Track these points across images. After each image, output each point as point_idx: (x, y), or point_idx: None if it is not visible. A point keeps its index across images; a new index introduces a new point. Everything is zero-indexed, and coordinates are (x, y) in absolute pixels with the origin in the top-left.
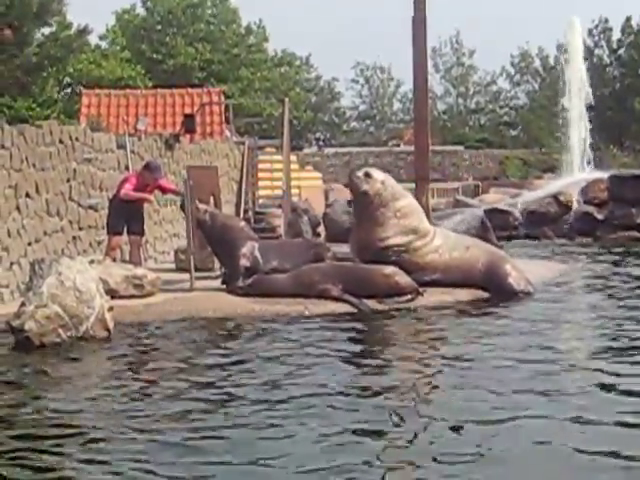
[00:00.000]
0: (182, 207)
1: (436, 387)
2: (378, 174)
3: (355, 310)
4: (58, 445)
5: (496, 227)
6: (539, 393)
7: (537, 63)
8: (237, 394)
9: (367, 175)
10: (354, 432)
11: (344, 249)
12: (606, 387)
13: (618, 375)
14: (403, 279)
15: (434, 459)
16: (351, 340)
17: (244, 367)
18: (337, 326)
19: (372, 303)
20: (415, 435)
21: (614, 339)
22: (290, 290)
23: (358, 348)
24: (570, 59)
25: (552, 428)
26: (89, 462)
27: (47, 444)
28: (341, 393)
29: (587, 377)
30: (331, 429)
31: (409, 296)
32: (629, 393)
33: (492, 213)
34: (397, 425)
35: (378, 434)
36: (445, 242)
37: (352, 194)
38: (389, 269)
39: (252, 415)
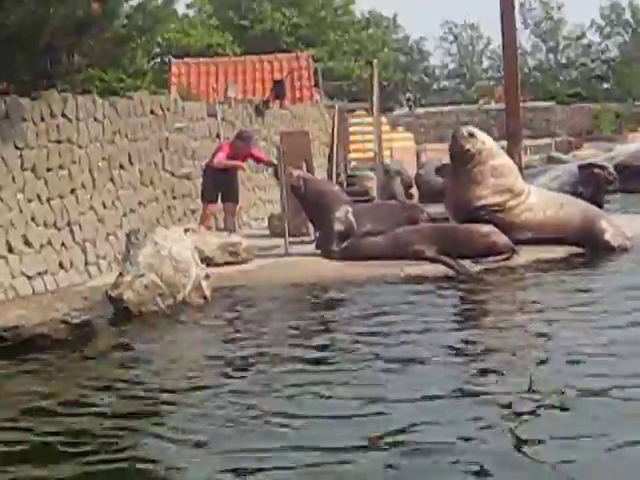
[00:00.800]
0: (275, 175)
1: (538, 349)
2: (480, 133)
3: (452, 271)
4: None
5: (591, 182)
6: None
7: (627, 14)
8: (338, 357)
9: (470, 134)
10: (453, 393)
11: (438, 209)
12: None
13: None
14: (500, 238)
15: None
16: (451, 301)
17: (342, 332)
18: (434, 288)
19: (468, 263)
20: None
21: None
22: (386, 252)
23: (459, 309)
24: None
25: None
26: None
27: (145, 411)
28: (440, 354)
29: None
30: (429, 390)
31: (505, 255)
32: None
33: (586, 168)
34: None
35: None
36: (539, 200)
37: (453, 152)
38: (486, 228)
39: (356, 374)
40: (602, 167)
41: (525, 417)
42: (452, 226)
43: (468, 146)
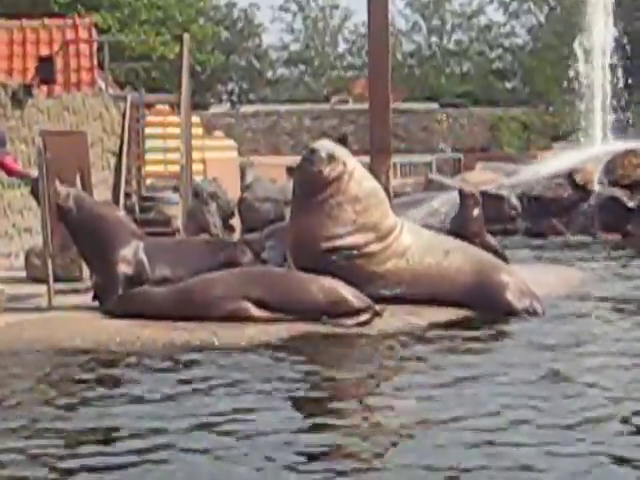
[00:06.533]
0: (33, 191)
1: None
2: (342, 151)
3: (286, 336)
4: None
5: (485, 219)
6: None
7: None
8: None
9: (330, 156)
10: None
11: None
12: None
13: None
14: (350, 294)
15: None
16: (276, 378)
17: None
18: (259, 360)
19: (312, 326)
20: None
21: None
22: (174, 310)
23: (283, 389)
24: None
25: None
26: None
27: None
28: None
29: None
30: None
31: (362, 317)
32: None
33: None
34: None
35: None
36: (415, 243)
37: (304, 177)
38: (331, 282)
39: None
40: (499, 197)
41: None
42: (280, 274)
43: (326, 170)
